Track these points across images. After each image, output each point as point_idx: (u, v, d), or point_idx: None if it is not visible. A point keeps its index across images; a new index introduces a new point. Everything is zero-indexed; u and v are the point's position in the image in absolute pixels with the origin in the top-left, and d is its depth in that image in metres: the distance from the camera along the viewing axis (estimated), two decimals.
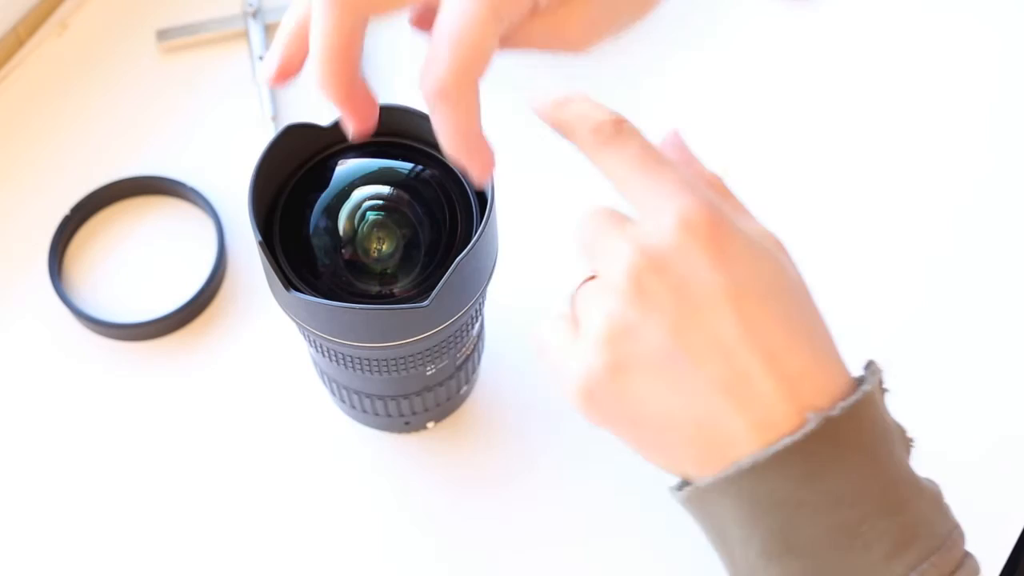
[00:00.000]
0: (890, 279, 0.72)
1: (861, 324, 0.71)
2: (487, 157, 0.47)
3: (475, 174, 0.46)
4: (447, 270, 0.51)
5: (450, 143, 0.46)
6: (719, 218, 0.45)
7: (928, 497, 0.47)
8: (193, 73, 0.78)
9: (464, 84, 0.45)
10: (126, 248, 0.73)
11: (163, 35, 0.79)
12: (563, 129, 0.49)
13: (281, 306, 0.55)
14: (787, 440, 0.43)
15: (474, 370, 0.65)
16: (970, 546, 0.65)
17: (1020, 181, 0.75)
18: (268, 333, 0.70)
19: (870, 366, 0.48)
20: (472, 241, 0.51)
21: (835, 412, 0.44)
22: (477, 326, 0.60)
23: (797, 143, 0.76)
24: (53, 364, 0.70)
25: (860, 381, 0.47)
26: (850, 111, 0.77)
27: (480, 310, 0.59)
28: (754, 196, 0.74)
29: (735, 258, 0.45)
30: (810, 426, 0.43)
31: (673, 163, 0.47)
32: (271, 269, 0.52)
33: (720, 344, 0.44)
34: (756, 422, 0.44)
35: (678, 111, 0.77)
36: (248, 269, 0.72)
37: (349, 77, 0.46)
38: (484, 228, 0.52)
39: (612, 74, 0.78)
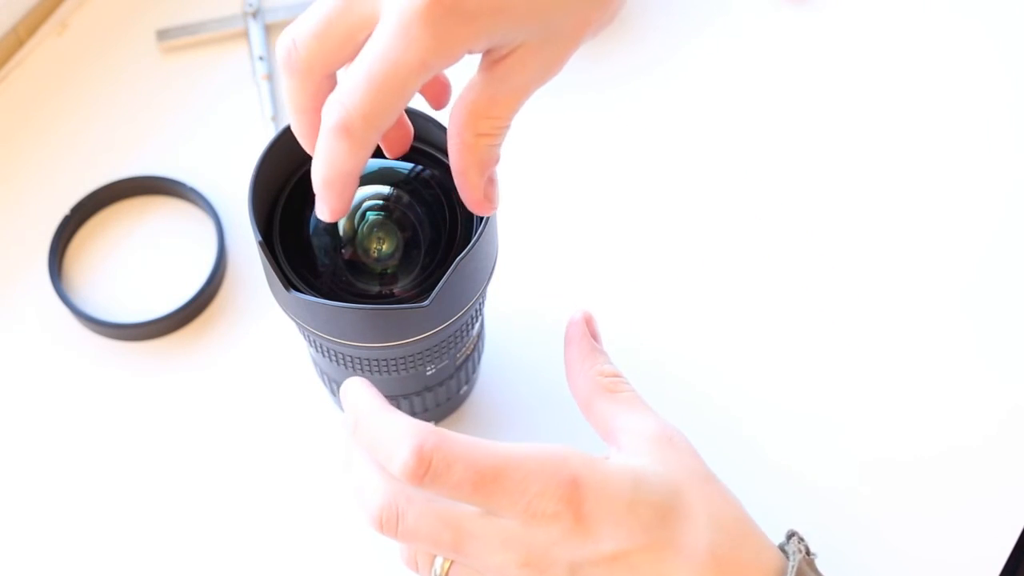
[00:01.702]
0: (890, 278, 0.72)
1: (860, 323, 0.71)
2: (344, 201, 0.47)
3: (322, 210, 0.48)
4: (447, 270, 0.51)
5: (323, 173, 0.46)
6: (576, 489, 0.46)
7: None
8: (193, 73, 0.78)
9: (370, 128, 0.45)
10: (126, 248, 0.73)
11: (163, 35, 0.79)
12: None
13: (281, 306, 0.55)
14: None
15: (474, 370, 0.65)
16: (970, 546, 0.65)
17: (1020, 181, 0.75)
18: (268, 333, 0.70)
19: (790, 543, 0.49)
20: (472, 241, 0.51)
21: None
22: (477, 326, 0.60)
23: (797, 143, 0.76)
24: (53, 364, 0.70)
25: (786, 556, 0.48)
26: (850, 111, 0.77)
27: (480, 310, 0.59)
28: (754, 196, 0.75)
29: (603, 523, 0.46)
30: None
31: (504, 465, 0.46)
32: (271, 269, 0.52)
33: None
34: None
35: (678, 111, 0.77)
36: (248, 269, 0.72)
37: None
38: (484, 228, 0.52)
39: (612, 74, 0.78)
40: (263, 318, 0.70)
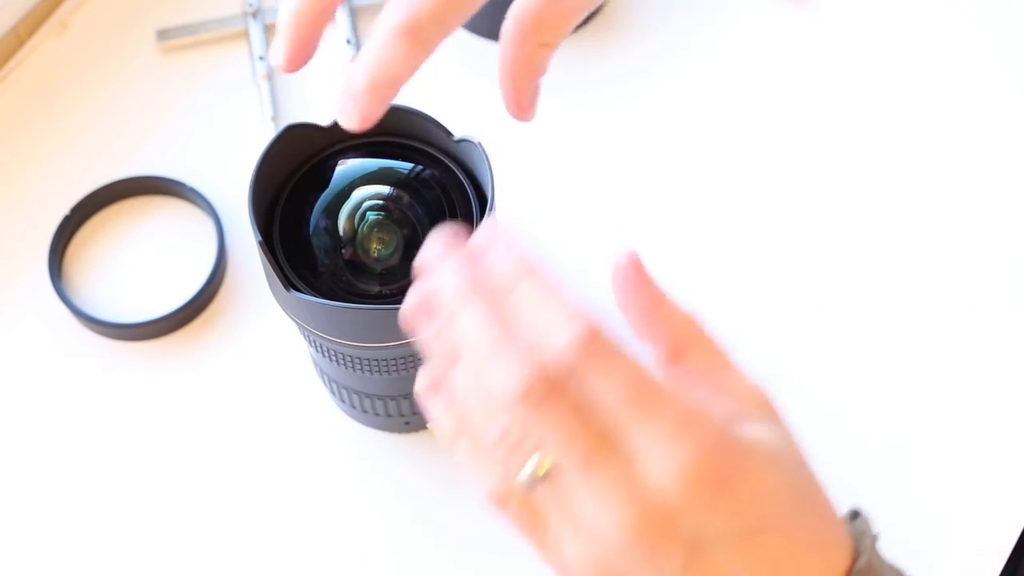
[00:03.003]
0: (890, 278, 0.72)
1: (861, 322, 0.71)
2: (381, 110, 0.45)
3: (351, 117, 0.45)
4: None
5: (372, 75, 0.45)
6: (726, 460, 0.39)
7: None
8: (193, 73, 0.78)
9: (438, 32, 0.45)
10: (126, 248, 0.73)
11: (163, 35, 0.79)
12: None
13: (281, 306, 0.55)
14: None
15: None
16: (970, 546, 0.65)
17: (1021, 182, 0.75)
18: (268, 333, 0.70)
19: (857, 523, 0.46)
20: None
21: None
22: None
23: (796, 143, 0.76)
24: (53, 364, 0.70)
25: (856, 539, 0.44)
26: (850, 110, 0.77)
27: None
28: (754, 196, 0.75)
29: (747, 500, 0.40)
30: None
31: (668, 390, 0.40)
32: (271, 269, 0.52)
33: None
34: None
35: (678, 111, 0.77)
36: (248, 269, 0.72)
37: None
38: None
39: (612, 74, 0.78)
40: (263, 318, 0.70)
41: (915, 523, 0.65)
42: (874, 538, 0.46)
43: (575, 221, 0.74)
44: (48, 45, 0.79)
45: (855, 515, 0.46)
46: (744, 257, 0.73)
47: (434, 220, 0.54)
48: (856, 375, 0.69)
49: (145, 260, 0.72)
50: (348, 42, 0.78)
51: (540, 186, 0.74)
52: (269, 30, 0.79)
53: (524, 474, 0.40)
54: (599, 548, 0.40)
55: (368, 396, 0.62)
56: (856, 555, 0.43)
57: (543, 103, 0.77)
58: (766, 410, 0.44)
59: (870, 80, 0.78)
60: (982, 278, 0.72)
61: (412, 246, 0.54)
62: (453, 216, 0.54)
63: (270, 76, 0.77)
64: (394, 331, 0.53)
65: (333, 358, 0.57)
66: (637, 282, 0.46)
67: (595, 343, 0.39)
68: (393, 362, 0.56)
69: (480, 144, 0.53)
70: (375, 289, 0.54)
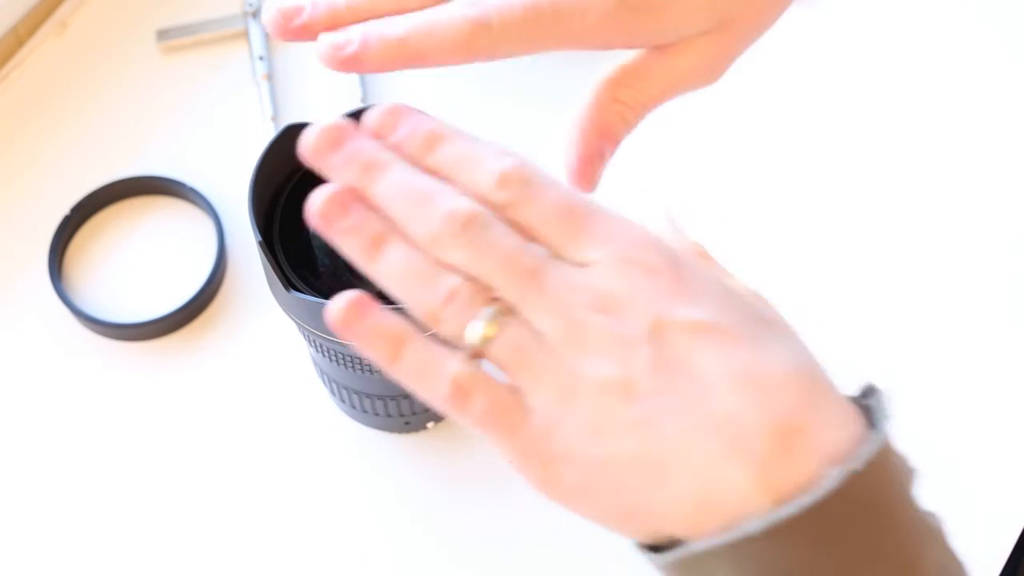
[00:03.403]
0: (891, 278, 0.72)
1: (860, 323, 0.71)
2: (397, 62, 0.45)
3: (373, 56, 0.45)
4: None
5: (418, 35, 0.44)
6: (675, 254, 0.40)
7: (938, 541, 0.43)
8: (193, 73, 0.78)
9: (501, 42, 0.44)
10: (126, 248, 0.73)
11: (163, 35, 0.79)
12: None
13: (281, 306, 0.55)
14: (803, 501, 0.37)
15: None
16: (970, 546, 0.65)
17: (1021, 184, 0.75)
18: (268, 333, 0.70)
19: (875, 395, 0.43)
20: None
21: (858, 466, 0.38)
22: None
23: (797, 143, 0.76)
24: (53, 364, 0.70)
25: (868, 414, 0.41)
26: (852, 110, 0.77)
27: None
28: (753, 198, 0.75)
29: (704, 295, 0.40)
30: (830, 484, 0.37)
31: (601, 208, 0.41)
32: (271, 269, 0.52)
33: (706, 382, 0.38)
34: (761, 476, 0.37)
35: (678, 111, 0.77)
36: (248, 269, 0.72)
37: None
38: None
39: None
40: (263, 318, 0.70)
41: None
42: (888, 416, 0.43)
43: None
44: (48, 45, 0.79)
45: (872, 392, 0.43)
46: (743, 257, 0.73)
47: None
48: (856, 375, 0.69)
49: (145, 260, 0.72)
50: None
51: None
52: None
53: (477, 329, 0.39)
54: (567, 381, 0.39)
55: (368, 396, 0.62)
56: (867, 421, 0.41)
57: (544, 104, 0.77)
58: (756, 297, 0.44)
59: (872, 79, 0.78)
60: (982, 279, 0.72)
61: None
62: None
63: (270, 76, 0.77)
64: None
65: (333, 358, 0.57)
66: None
67: (523, 174, 0.40)
68: None
69: None
70: (375, 289, 0.54)
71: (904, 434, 0.69)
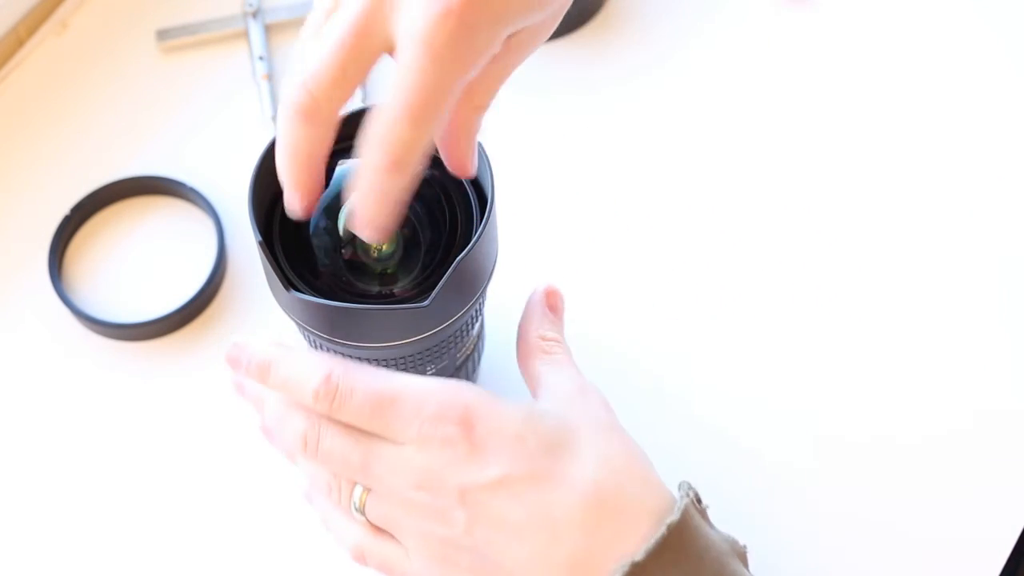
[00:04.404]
0: (890, 280, 0.72)
1: (859, 322, 0.71)
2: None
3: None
4: (447, 270, 0.51)
5: (370, 203, 0.47)
6: (468, 417, 0.48)
7: None
8: (193, 73, 0.78)
9: (418, 161, 0.47)
10: (126, 248, 0.73)
11: (163, 35, 0.79)
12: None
13: (281, 306, 0.55)
14: None
15: (474, 370, 0.65)
16: (970, 546, 0.65)
17: (1021, 185, 0.75)
18: (268, 333, 0.69)
19: (681, 488, 0.50)
20: (472, 241, 0.51)
21: (639, 557, 0.46)
22: (477, 326, 0.60)
23: (795, 144, 0.76)
24: (53, 364, 0.70)
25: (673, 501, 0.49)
26: (850, 111, 0.77)
27: (480, 310, 0.59)
28: (752, 197, 0.75)
29: (492, 451, 0.48)
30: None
31: (401, 391, 0.50)
32: (271, 269, 0.52)
33: (510, 530, 0.48)
34: None
35: (677, 112, 0.77)
36: (248, 269, 0.72)
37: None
38: (484, 228, 0.52)
39: (611, 75, 0.78)
40: (263, 318, 0.70)
41: (915, 523, 0.65)
42: (700, 505, 0.49)
43: (575, 221, 0.74)
44: (48, 45, 0.79)
45: (680, 485, 0.50)
46: (742, 257, 0.73)
47: (434, 220, 0.54)
48: (855, 376, 0.69)
49: (145, 260, 0.72)
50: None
51: (540, 186, 0.74)
52: (269, 30, 0.79)
53: (356, 496, 0.52)
54: (426, 536, 0.50)
55: None
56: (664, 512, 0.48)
57: (543, 103, 0.77)
58: (564, 393, 0.52)
59: (869, 81, 0.78)
60: (981, 278, 0.72)
61: (412, 246, 0.54)
62: (453, 216, 0.54)
63: (270, 76, 0.77)
64: (394, 331, 0.53)
65: None
66: (545, 303, 0.57)
67: (329, 388, 0.50)
68: (393, 362, 0.56)
69: (480, 144, 0.53)
70: (375, 289, 0.54)
71: (905, 434, 0.69)
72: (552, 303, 0.57)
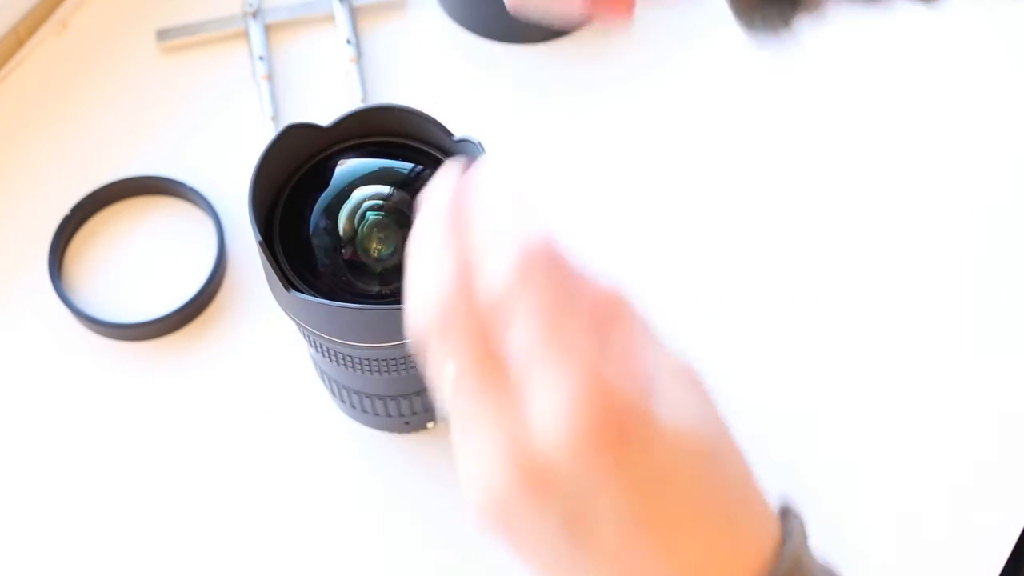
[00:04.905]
0: (890, 284, 0.72)
1: (859, 322, 0.71)
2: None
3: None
4: None
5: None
6: (623, 421, 0.37)
7: None
8: (193, 73, 0.78)
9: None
10: (126, 248, 0.73)
11: (163, 35, 0.79)
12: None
13: (281, 306, 0.55)
14: None
15: None
16: (970, 546, 0.65)
17: (1019, 184, 0.75)
18: (268, 333, 0.70)
19: (788, 518, 0.42)
20: None
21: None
22: None
23: (795, 145, 0.76)
24: (53, 364, 0.70)
25: (784, 532, 0.41)
26: (851, 113, 0.77)
27: None
28: (751, 198, 0.75)
29: (641, 481, 0.37)
30: None
31: (585, 339, 0.38)
32: (271, 269, 0.52)
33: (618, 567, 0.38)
34: None
35: (678, 112, 0.77)
36: (248, 269, 0.72)
37: None
38: None
39: (611, 76, 0.78)
40: (263, 318, 0.70)
41: (916, 523, 0.65)
42: (804, 535, 0.42)
43: (575, 221, 0.74)
44: (48, 45, 0.79)
45: (785, 511, 0.43)
46: (742, 257, 0.73)
47: None
48: (853, 375, 0.69)
49: (145, 260, 0.72)
50: (348, 42, 0.78)
51: (540, 186, 0.74)
52: (269, 30, 0.79)
53: (445, 386, 0.39)
54: (488, 486, 0.39)
55: (368, 396, 0.62)
56: (779, 552, 0.40)
57: (543, 103, 0.77)
58: (691, 386, 0.42)
59: (869, 81, 0.78)
60: (981, 279, 0.72)
61: None
62: None
63: (270, 76, 0.77)
64: (394, 331, 0.53)
65: (333, 358, 0.57)
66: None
67: (533, 265, 0.38)
68: (393, 362, 0.56)
69: (480, 144, 0.53)
70: (375, 289, 0.54)
71: (904, 434, 0.69)
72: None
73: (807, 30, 0.53)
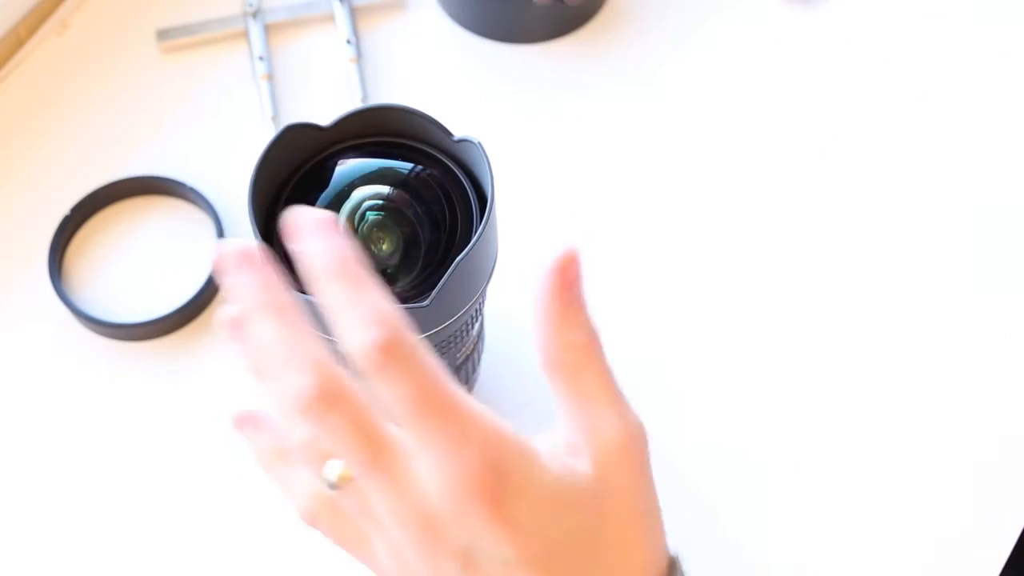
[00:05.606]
0: (890, 281, 0.72)
1: (859, 323, 0.71)
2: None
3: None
4: (447, 270, 0.51)
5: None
6: (498, 479, 0.39)
7: None
8: (193, 73, 0.78)
9: None
10: (126, 248, 0.73)
11: (163, 35, 0.79)
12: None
13: None
14: None
15: (474, 370, 0.65)
16: (970, 546, 0.65)
17: (1021, 184, 0.75)
18: None
19: (674, 571, 0.44)
20: (472, 241, 0.51)
21: None
22: (477, 326, 0.60)
23: (797, 144, 0.76)
24: (53, 364, 0.70)
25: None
26: (852, 112, 0.77)
27: (480, 310, 0.59)
28: (753, 200, 0.75)
29: (522, 530, 0.40)
30: None
31: (458, 404, 0.39)
32: None
33: None
34: None
35: (678, 112, 0.77)
36: None
37: None
38: (484, 228, 0.52)
39: (611, 75, 0.78)
40: None
41: (916, 523, 0.65)
42: None
43: (576, 221, 0.74)
44: (48, 45, 0.79)
45: (673, 562, 0.45)
46: (742, 257, 0.73)
47: (434, 220, 0.54)
48: (853, 375, 0.69)
49: (145, 260, 0.72)
50: (348, 42, 0.78)
51: (540, 186, 0.74)
52: (269, 30, 0.79)
53: (324, 482, 0.43)
54: (397, 552, 0.42)
55: None
56: None
57: (542, 103, 0.77)
58: (604, 453, 0.43)
59: (869, 81, 0.78)
60: (981, 278, 0.72)
61: (412, 246, 0.54)
62: (453, 216, 0.54)
63: (270, 76, 0.77)
64: None
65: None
66: (559, 287, 0.43)
67: (391, 350, 0.39)
68: None
69: (480, 144, 0.53)
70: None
71: (904, 434, 0.69)
72: (568, 279, 0.43)
73: None
